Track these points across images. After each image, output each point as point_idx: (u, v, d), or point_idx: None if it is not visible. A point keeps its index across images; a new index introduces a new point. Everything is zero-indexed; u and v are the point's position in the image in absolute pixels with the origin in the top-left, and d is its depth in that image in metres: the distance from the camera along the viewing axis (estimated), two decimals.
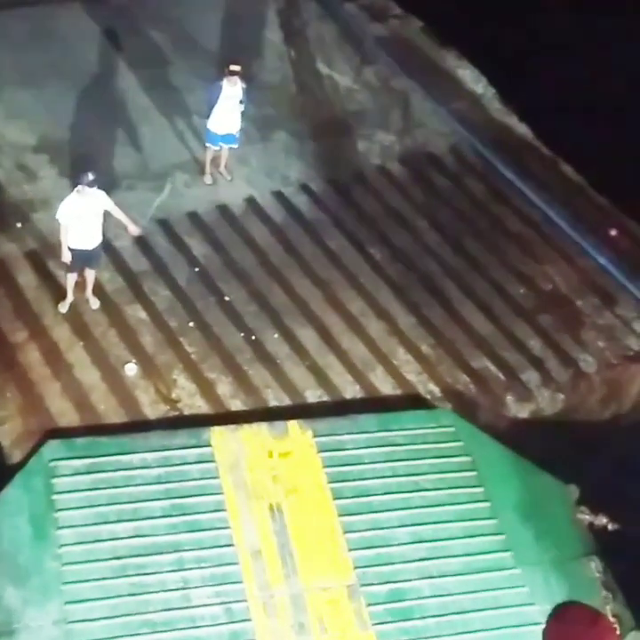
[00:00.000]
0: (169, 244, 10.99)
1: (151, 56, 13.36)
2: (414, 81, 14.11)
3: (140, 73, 13.01)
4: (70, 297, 10.02)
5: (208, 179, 11.75)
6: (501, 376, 10.50)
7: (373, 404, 9.73)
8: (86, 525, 8.05)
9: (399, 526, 8.47)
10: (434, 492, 8.69)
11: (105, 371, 9.64)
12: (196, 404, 9.58)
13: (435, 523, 8.56)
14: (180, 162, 11.89)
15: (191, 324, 10.27)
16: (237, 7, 14.63)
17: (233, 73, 10.90)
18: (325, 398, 9.83)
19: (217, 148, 11.58)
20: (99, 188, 9.36)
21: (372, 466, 8.80)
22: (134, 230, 9.98)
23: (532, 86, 13.57)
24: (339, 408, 9.57)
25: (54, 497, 8.14)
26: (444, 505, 8.67)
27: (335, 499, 8.52)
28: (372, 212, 12.06)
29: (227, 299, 10.60)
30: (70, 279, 9.95)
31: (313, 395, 9.87)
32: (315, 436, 8.87)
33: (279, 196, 11.91)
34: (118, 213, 9.71)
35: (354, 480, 8.68)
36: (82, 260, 9.76)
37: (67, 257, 9.63)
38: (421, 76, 14.22)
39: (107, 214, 9.62)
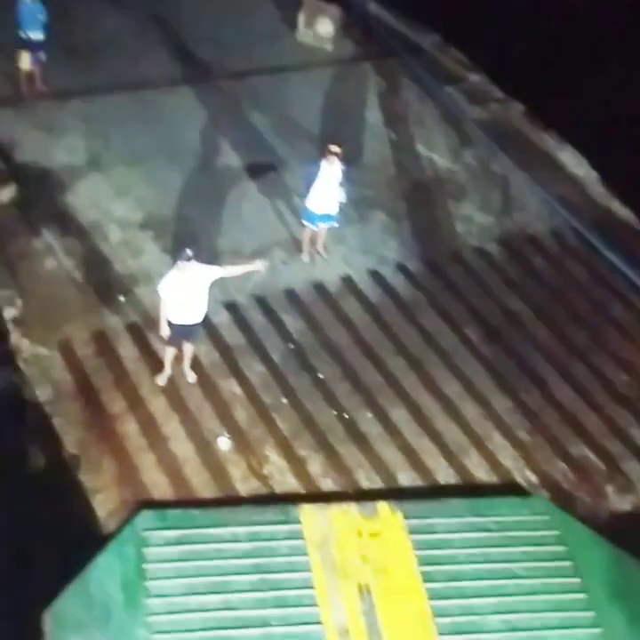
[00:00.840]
0: (265, 320, 11.57)
1: (252, 137, 14.28)
2: (515, 163, 14.63)
3: (242, 153, 13.89)
4: (168, 370, 10.62)
5: (306, 257, 12.38)
6: (601, 465, 10.58)
7: (466, 488, 9.93)
8: (176, 596, 8.41)
9: (492, 613, 8.56)
10: (528, 580, 8.76)
11: (199, 444, 10.13)
12: (286, 480, 9.96)
13: (529, 612, 8.61)
14: (278, 239, 12.56)
15: (284, 400, 10.73)
16: (339, 91, 15.56)
17: (333, 153, 11.56)
18: (417, 480, 10.08)
19: (315, 227, 12.23)
20: (200, 263, 9.99)
21: (463, 550, 8.95)
22: (260, 265, 10.54)
23: (635, 170, 13.84)
24: (430, 491, 9.81)
25: (145, 566, 8.56)
26: (538, 594, 8.73)
27: (425, 582, 8.68)
28: (468, 293, 12.44)
29: (320, 376, 11.05)
30: (169, 352, 10.56)
31: (405, 476, 10.14)
32: (405, 518, 9.10)
33: (376, 275, 12.43)
34: (232, 270, 10.28)
35: (445, 564, 8.84)
36: (181, 334, 10.34)
37: (165, 331, 10.22)
38: (522, 158, 14.73)
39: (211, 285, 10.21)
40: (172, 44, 15.96)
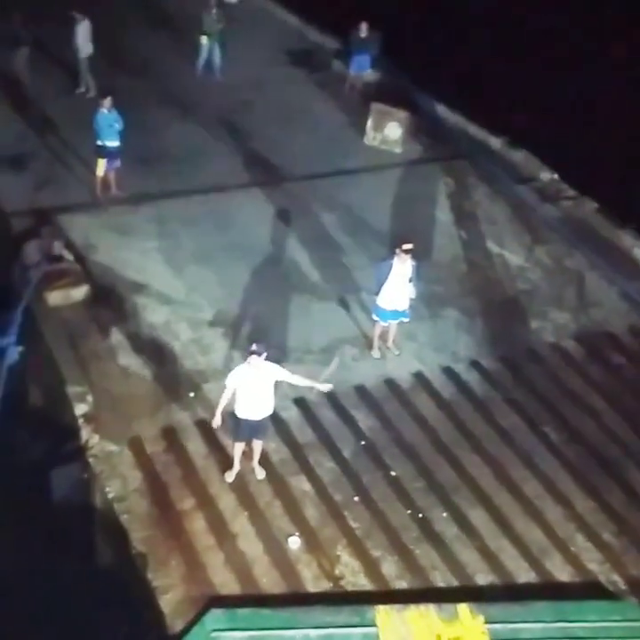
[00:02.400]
0: (335, 416, 11.59)
1: (322, 236, 14.66)
2: (589, 260, 14.71)
3: (311, 252, 14.25)
4: (237, 466, 10.65)
5: (376, 353, 12.46)
6: None
7: (550, 591, 9.62)
8: None
9: None
10: None
11: (268, 542, 10.06)
12: (359, 582, 9.79)
13: None
14: (347, 336, 12.71)
15: (356, 498, 10.63)
16: (407, 192, 15.96)
17: (406, 251, 11.76)
18: (497, 583, 9.81)
19: (385, 323, 12.36)
20: (269, 360, 10.11)
21: None
22: (324, 387, 10.61)
23: None
24: (512, 595, 9.52)
25: None
26: None
27: None
28: (546, 391, 12.33)
29: (393, 474, 10.95)
30: (237, 448, 10.61)
31: (484, 579, 9.90)
32: (487, 623, 8.81)
33: (449, 371, 12.44)
34: (298, 379, 10.41)
35: None
36: (250, 430, 10.42)
37: (217, 420, 10.28)
38: (597, 255, 14.81)
39: (277, 385, 10.37)
40: (242, 150, 16.65)
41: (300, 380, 10.49)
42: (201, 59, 18.87)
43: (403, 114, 17.41)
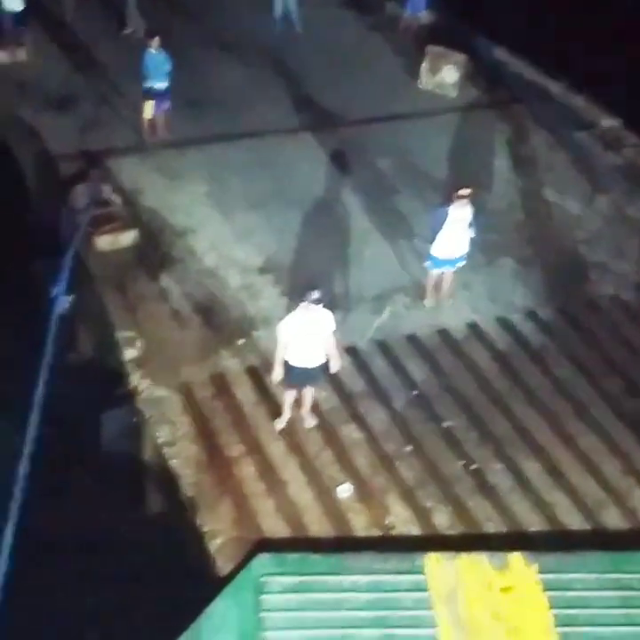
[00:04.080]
0: (387, 366, 11.60)
1: (375, 182, 14.58)
2: None
3: (364, 198, 14.18)
4: (287, 414, 10.72)
5: (429, 302, 12.42)
6: None
7: (605, 543, 9.58)
8: None
9: None
10: None
11: (318, 491, 10.15)
12: (410, 532, 9.84)
13: None
14: (400, 285, 12.67)
15: (408, 448, 10.67)
16: (463, 138, 15.78)
17: (462, 197, 11.63)
18: (551, 535, 9.80)
19: (440, 271, 12.29)
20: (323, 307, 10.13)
21: (604, 611, 8.60)
22: (335, 366, 10.44)
23: None
24: (565, 545, 9.50)
25: (262, 614, 8.49)
26: None
27: None
28: (604, 343, 12.23)
29: (446, 425, 10.97)
30: (288, 396, 10.67)
31: (538, 531, 9.88)
32: (540, 572, 8.83)
33: (504, 322, 12.36)
34: (331, 342, 10.25)
35: (583, 625, 8.50)
36: (302, 377, 10.42)
37: (278, 374, 10.30)
38: None
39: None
40: (293, 94, 16.57)
41: (331, 345, 10.25)
42: (277, 11, 18.32)
43: (459, 56, 17.16)
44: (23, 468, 8.22)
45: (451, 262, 12.15)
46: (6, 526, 7.88)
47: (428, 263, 12.25)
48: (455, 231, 11.84)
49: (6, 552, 7.61)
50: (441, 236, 11.90)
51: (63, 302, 10.80)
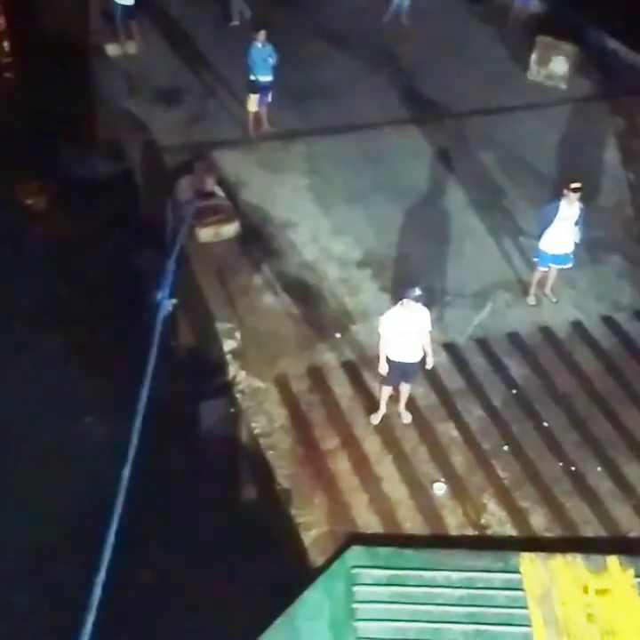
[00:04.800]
0: (486, 363, 11.66)
1: (480, 177, 14.62)
2: None
3: (468, 193, 14.24)
4: (383, 409, 10.90)
5: (532, 299, 12.40)
6: None
7: None
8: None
9: None
10: None
11: (413, 487, 10.29)
12: (506, 532, 9.90)
13: None
14: (502, 281, 12.70)
15: (505, 447, 10.72)
16: (572, 131, 15.67)
17: (574, 190, 11.53)
18: None
19: (546, 268, 12.25)
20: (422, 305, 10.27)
21: None
22: (429, 364, 10.59)
23: None
24: None
25: (355, 605, 8.75)
26: None
27: None
28: None
29: (545, 425, 10.97)
30: (385, 392, 10.85)
31: (637, 535, 9.83)
32: (637, 576, 8.82)
33: (609, 321, 12.27)
34: (427, 339, 10.39)
35: None
36: (399, 373, 10.60)
37: (383, 369, 10.53)
38: None
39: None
40: (398, 86, 16.72)
41: (427, 342, 10.39)
42: (393, 4, 18.46)
43: (570, 47, 17.00)
44: (126, 470, 8.59)
45: (558, 259, 12.09)
46: (112, 515, 8.25)
47: (536, 260, 12.25)
48: (565, 227, 11.78)
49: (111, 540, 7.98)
50: (550, 232, 11.86)
51: (167, 306, 11.16)
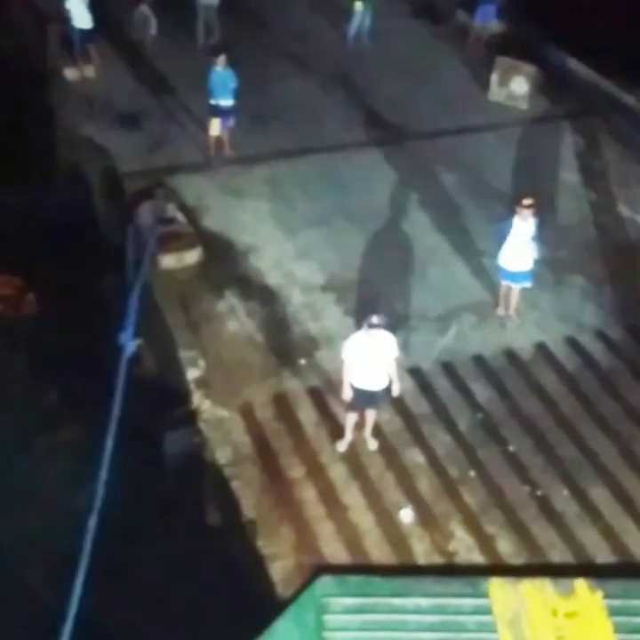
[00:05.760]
0: (451, 387, 11.75)
1: (441, 197, 14.78)
2: None
3: (430, 215, 14.39)
4: (349, 436, 10.93)
5: (501, 311, 12.57)
6: None
7: None
8: None
9: None
10: None
11: (380, 515, 10.32)
12: (474, 558, 9.97)
13: None
14: (466, 303, 12.82)
15: (472, 473, 10.79)
16: (533, 150, 15.93)
17: (526, 206, 11.79)
18: (619, 565, 9.82)
19: (507, 284, 12.41)
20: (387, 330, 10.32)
21: None
22: (396, 391, 10.64)
23: None
24: (633, 572, 9.56)
25: (325, 634, 8.78)
26: None
27: None
28: None
29: (511, 449, 11.06)
30: (350, 418, 10.88)
31: (604, 560, 9.92)
32: (605, 598, 8.93)
33: (573, 342, 12.43)
34: (392, 365, 10.43)
35: None
36: (364, 399, 10.64)
37: (347, 395, 10.58)
38: None
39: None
40: (360, 107, 16.89)
41: (392, 369, 10.43)
42: (353, 26, 18.75)
43: (530, 68, 17.28)
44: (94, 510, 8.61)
45: (517, 277, 12.26)
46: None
47: (499, 275, 12.45)
48: (520, 244, 11.97)
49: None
50: (507, 249, 12.07)
51: (131, 348, 11.12)
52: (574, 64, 17.98)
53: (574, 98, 17.41)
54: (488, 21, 18.89)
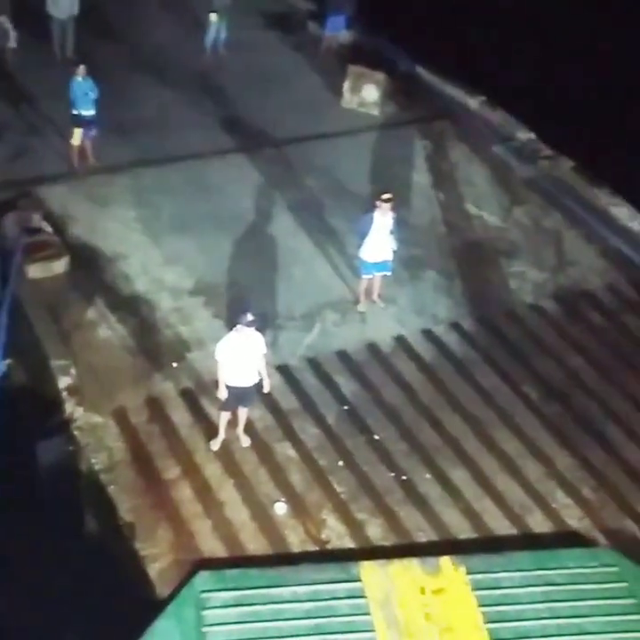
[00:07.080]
0: (318, 382, 11.87)
1: (301, 200, 14.86)
2: (567, 219, 14.98)
3: (293, 217, 14.46)
4: (222, 435, 10.91)
5: (362, 307, 12.79)
6: None
7: (529, 544, 9.98)
8: None
9: None
10: (599, 637, 8.70)
11: (255, 509, 10.35)
12: (345, 545, 10.12)
13: None
14: (329, 301, 12.96)
15: (340, 462, 10.94)
16: (386, 154, 16.16)
17: (385, 201, 12.11)
18: (480, 541, 10.16)
19: (370, 276, 12.67)
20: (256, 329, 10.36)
21: (529, 606, 8.94)
22: (266, 387, 10.77)
23: None
24: (493, 548, 9.84)
25: (205, 629, 8.67)
26: None
27: None
28: (525, 350, 12.64)
29: (376, 437, 11.26)
30: (223, 417, 10.87)
31: (467, 538, 10.25)
32: (468, 573, 9.15)
33: (429, 334, 12.72)
34: (261, 363, 10.56)
35: (511, 620, 8.83)
36: (237, 397, 10.68)
37: (223, 394, 10.59)
38: (574, 214, 15.10)
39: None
40: (220, 116, 16.75)
41: (262, 366, 10.57)
42: (209, 37, 18.43)
43: (380, 75, 17.50)
44: None
45: (379, 266, 12.56)
46: None
47: (360, 269, 12.68)
48: (382, 236, 12.27)
49: None
50: (368, 242, 12.33)
51: (0, 368, 10.76)
52: (420, 71, 18.32)
53: (422, 103, 17.75)
54: (338, 32, 19.08)
